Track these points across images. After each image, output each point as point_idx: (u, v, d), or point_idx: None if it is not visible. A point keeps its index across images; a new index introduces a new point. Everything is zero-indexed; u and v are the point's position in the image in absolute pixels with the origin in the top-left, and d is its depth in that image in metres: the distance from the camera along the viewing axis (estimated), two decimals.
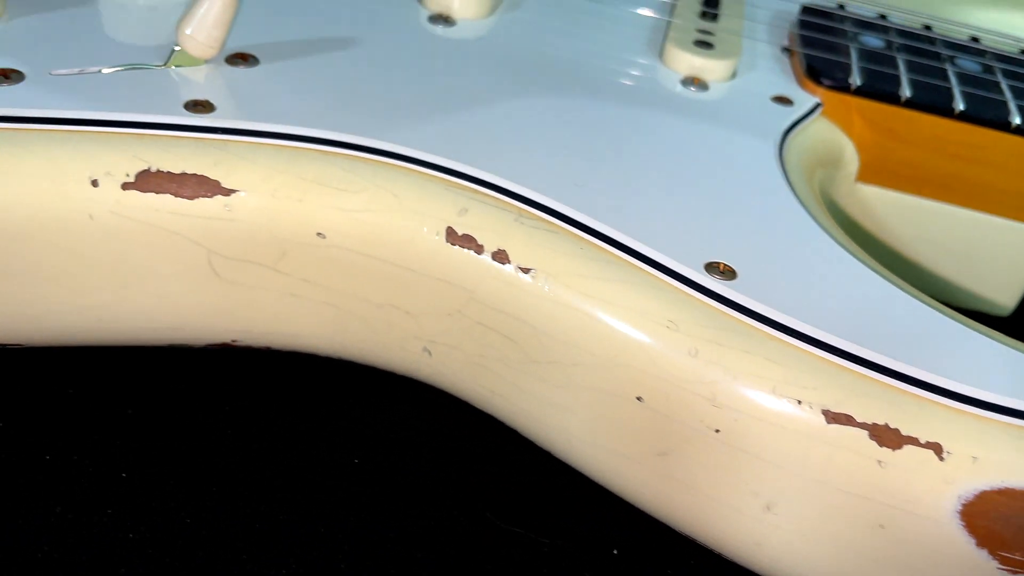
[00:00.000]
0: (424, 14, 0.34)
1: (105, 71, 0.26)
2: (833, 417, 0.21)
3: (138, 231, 0.24)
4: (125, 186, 0.24)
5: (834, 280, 0.25)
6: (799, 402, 0.21)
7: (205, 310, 0.26)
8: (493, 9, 0.35)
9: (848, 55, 0.35)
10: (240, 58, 0.28)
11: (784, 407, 0.21)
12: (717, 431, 0.22)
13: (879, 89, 0.34)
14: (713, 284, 0.23)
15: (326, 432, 0.29)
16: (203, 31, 0.26)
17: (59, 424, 0.28)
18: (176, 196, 0.24)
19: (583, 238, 0.24)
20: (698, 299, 0.23)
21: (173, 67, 0.27)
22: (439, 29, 0.33)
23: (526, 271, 0.24)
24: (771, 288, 0.23)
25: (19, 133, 0.24)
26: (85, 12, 0.29)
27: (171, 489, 0.26)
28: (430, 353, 0.27)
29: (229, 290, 0.26)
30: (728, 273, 0.23)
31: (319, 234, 0.25)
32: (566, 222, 0.25)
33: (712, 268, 0.24)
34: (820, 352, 0.22)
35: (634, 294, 0.23)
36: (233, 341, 0.28)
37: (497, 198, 0.25)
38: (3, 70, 0.25)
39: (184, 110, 0.25)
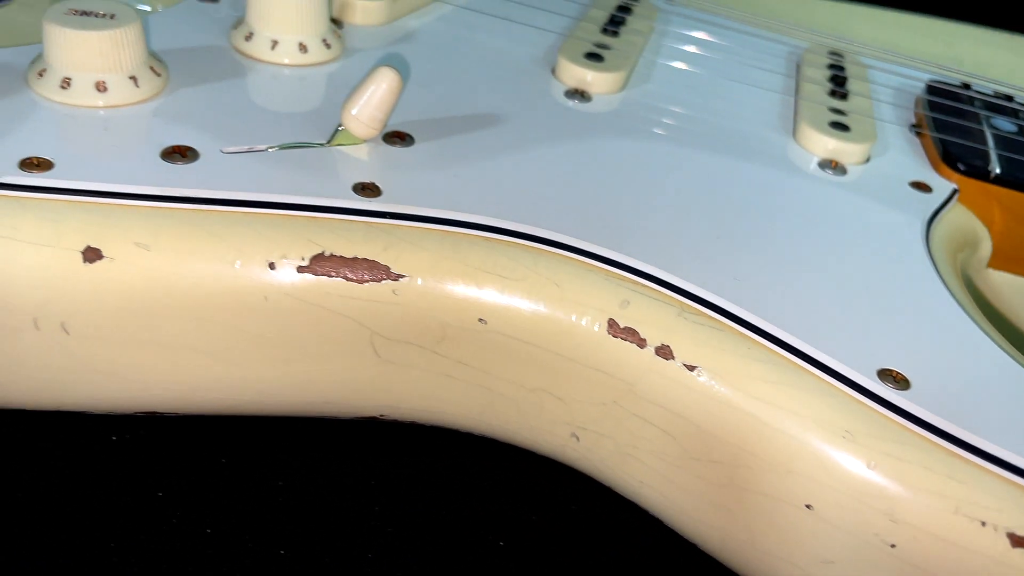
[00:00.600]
0: (560, 88, 0.34)
1: (271, 149, 0.27)
2: (1018, 541, 0.21)
3: (308, 312, 0.25)
4: (300, 269, 0.24)
5: (1001, 388, 0.24)
6: (983, 524, 0.21)
7: (360, 386, 0.27)
8: (625, 84, 0.36)
9: (983, 140, 0.35)
10: (397, 137, 0.29)
11: (967, 528, 0.21)
12: (893, 546, 0.22)
13: (1019, 178, 0.33)
14: (889, 394, 0.23)
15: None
16: (368, 113, 0.27)
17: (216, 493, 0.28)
18: (347, 280, 0.25)
19: (749, 336, 0.24)
20: (873, 408, 0.23)
21: (335, 146, 0.28)
22: (575, 104, 0.34)
23: (691, 368, 0.24)
24: (945, 398, 0.23)
25: (201, 213, 0.24)
26: (239, 83, 0.30)
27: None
28: (578, 439, 0.27)
29: (386, 369, 0.26)
30: (902, 382, 0.23)
31: (480, 320, 0.25)
32: (729, 319, 0.25)
33: (885, 376, 0.23)
34: (1001, 471, 0.22)
35: (807, 400, 0.23)
36: (381, 415, 0.28)
37: (658, 291, 0.25)
38: (180, 148, 0.26)
39: (353, 192, 0.26)
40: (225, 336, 0.25)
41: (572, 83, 0.34)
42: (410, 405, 0.28)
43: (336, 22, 0.35)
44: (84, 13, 0.27)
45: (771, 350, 0.24)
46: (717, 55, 0.40)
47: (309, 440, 0.29)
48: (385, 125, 0.28)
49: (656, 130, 0.33)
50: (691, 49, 0.40)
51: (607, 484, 0.28)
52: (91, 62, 0.27)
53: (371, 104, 0.27)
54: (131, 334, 0.24)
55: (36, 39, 0.30)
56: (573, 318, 0.25)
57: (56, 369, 0.25)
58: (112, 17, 0.27)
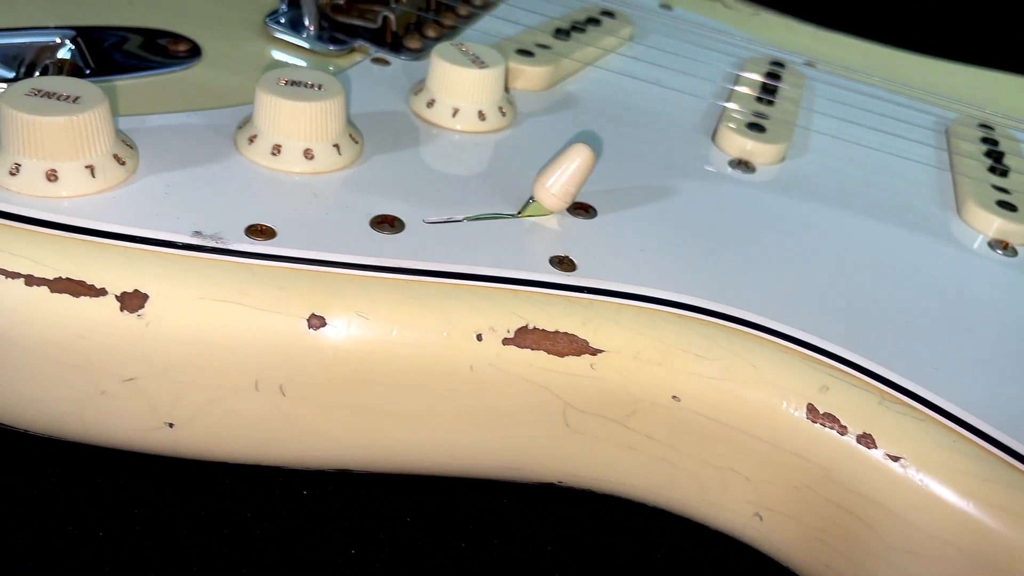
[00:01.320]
0: (722, 157, 0.35)
1: (467, 220, 0.28)
2: None
3: (508, 383, 0.25)
4: (505, 341, 0.25)
5: None
6: None
7: (545, 454, 0.27)
8: (785, 154, 0.36)
9: None
10: (581, 208, 0.30)
11: None
12: None
13: None
14: None
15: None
16: (563, 188, 0.28)
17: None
18: (549, 353, 0.25)
19: (953, 429, 0.24)
20: None
21: (525, 217, 0.29)
22: (740, 174, 0.34)
23: (895, 459, 0.24)
24: None
25: (414, 284, 0.25)
26: (425, 150, 0.31)
27: None
28: (761, 518, 0.27)
29: (573, 439, 0.27)
30: None
31: (674, 397, 0.26)
32: (931, 409, 0.25)
33: None
34: None
35: (1019, 499, 0.23)
36: (559, 482, 0.29)
37: (857, 377, 0.25)
38: (388, 217, 0.27)
39: (550, 266, 0.27)
40: (429, 402, 0.26)
41: (735, 153, 0.35)
42: (590, 474, 0.28)
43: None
44: (294, 83, 0.28)
45: (976, 444, 0.24)
46: (865, 123, 0.40)
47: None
48: (574, 199, 0.29)
49: (824, 204, 0.33)
50: (839, 116, 0.40)
51: (786, 564, 0.28)
52: (302, 131, 0.28)
53: (566, 179, 0.28)
54: (342, 398, 0.25)
55: (232, 101, 0.32)
56: (771, 401, 0.25)
57: (265, 428, 0.26)
58: (320, 88, 0.29)
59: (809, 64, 0.45)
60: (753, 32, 0.48)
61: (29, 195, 0.25)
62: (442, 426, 0.26)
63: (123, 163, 0.26)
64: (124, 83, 0.31)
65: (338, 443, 0.26)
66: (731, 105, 0.37)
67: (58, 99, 0.25)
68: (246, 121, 0.29)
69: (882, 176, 0.36)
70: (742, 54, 0.44)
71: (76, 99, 0.25)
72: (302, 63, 0.35)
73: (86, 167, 0.25)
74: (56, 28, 0.34)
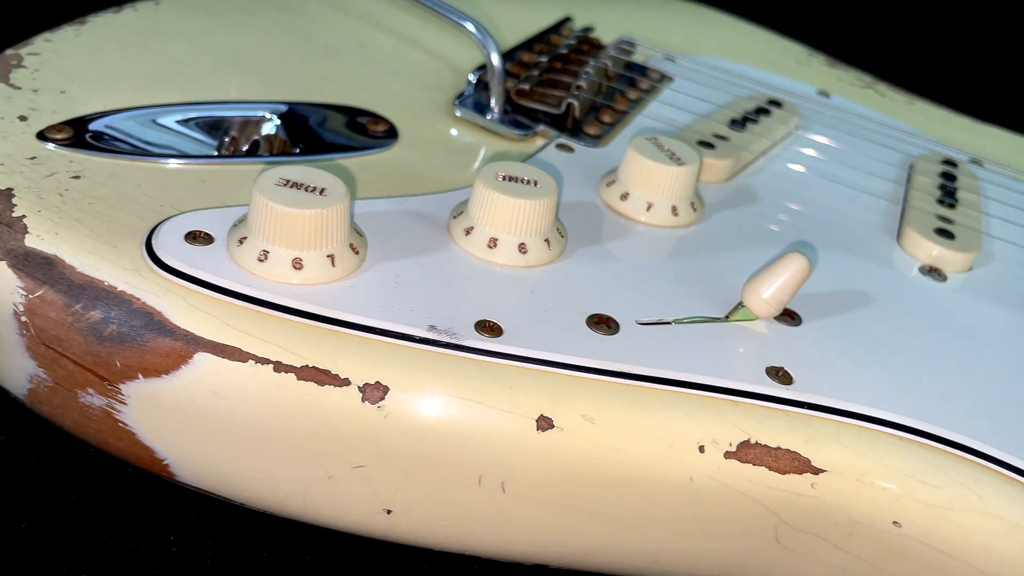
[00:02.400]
0: (911, 263, 0.34)
1: (676, 323, 0.28)
2: None
3: (725, 496, 0.25)
4: (727, 455, 0.25)
5: None
6: None
7: (748, 567, 0.27)
8: (974, 263, 0.35)
9: None
10: (787, 315, 0.30)
11: None
12: None
13: None
14: None
15: None
16: (777, 297, 0.28)
17: None
18: (770, 469, 0.25)
19: None
20: None
21: (733, 321, 0.29)
22: (932, 281, 0.34)
23: None
24: None
25: (635, 389, 0.26)
26: (624, 245, 0.32)
27: None
28: None
29: (780, 555, 0.27)
30: None
31: (895, 523, 0.25)
32: None
33: None
34: None
35: None
36: None
37: None
38: (603, 317, 0.27)
39: (767, 377, 0.27)
40: (644, 509, 0.26)
41: (924, 258, 0.34)
42: None
43: None
44: (511, 178, 0.29)
45: None
46: None
47: None
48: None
49: (1015, 318, 0.32)
50: (1017, 222, 0.39)
51: None
52: (519, 226, 0.29)
53: (782, 289, 0.28)
54: (559, 498, 0.25)
55: (434, 186, 0.33)
56: (996, 534, 0.25)
57: (479, 520, 0.26)
58: (536, 184, 0.29)
59: (976, 162, 0.44)
60: (912, 123, 0.48)
61: (276, 281, 0.26)
62: (651, 532, 0.26)
63: (357, 252, 0.27)
64: (333, 163, 0.33)
65: (546, 540, 0.26)
66: (913, 206, 0.37)
67: (306, 190, 0.26)
68: (459, 211, 0.30)
69: None
70: (908, 149, 0.43)
71: (322, 191, 0.26)
72: (492, 146, 0.36)
73: (327, 256, 0.26)
74: (266, 103, 0.36)
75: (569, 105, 0.39)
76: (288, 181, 0.26)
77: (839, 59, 0.56)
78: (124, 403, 0.25)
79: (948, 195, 0.39)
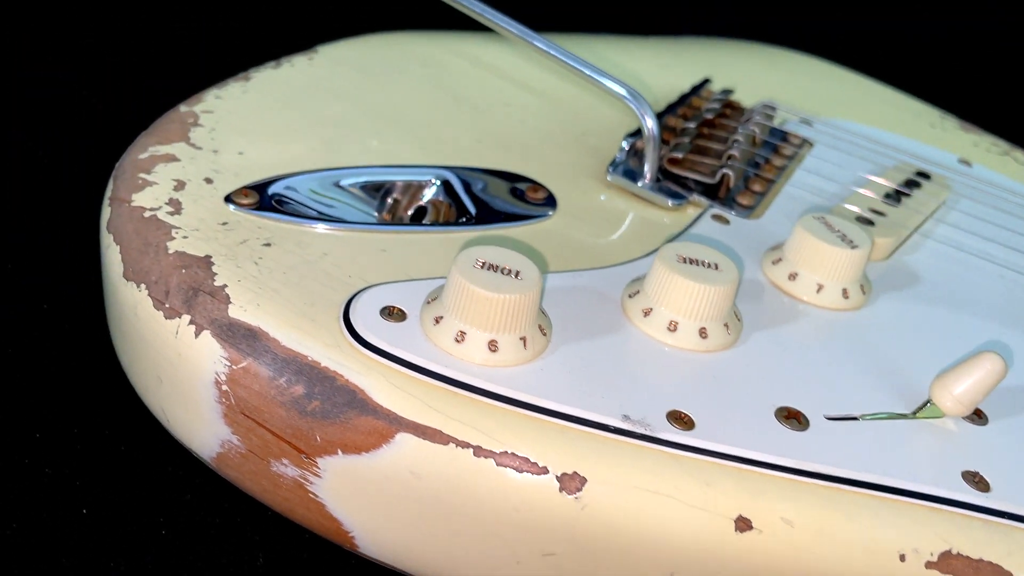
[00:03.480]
0: None
1: (863, 419, 0.28)
2: None
3: None
4: (928, 565, 0.24)
5: None
6: None
7: None
8: None
9: None
10: (974, 413, 0.29)
11: None
12: None
13: None
14: None
15: None
16: (971, 396, 0.27)
17: None
18: None
19: None
20: None
21: (921, 419, 0.28)
22: None
23: None
24: None
25: (830, 491, 0.25)
26: (797, 328, 0.31)
27: None
28: None
29: None
30: None
31: None
32: None
33: None
34: None
35: None
36: None
37: None
38: (794, 412, 0.27)
39: (964, 483, 0.26)
40: None
41: None
42: None
43: None
44: (692, 261, 0.29)
45: None
46: None
47: None
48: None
49: None
50: None
51: None
52: (701, 311, 0.28)
53: (976, 388, 0.27)
54: None
55: (601, 259, 0.32)
56: None
57: None
58: (716, 267, 0.29)
59: None
60: None
61: (473, 363, 0.26)
62: None
63: (544, 333, 0.27)
64: (500, 233, 0.33)
65: None
66: None
67: (502, 272, 0.26)
68: (635, 289, 0.30)
69: None
70: None
71: (517, 273, 0.26)
72: (646, 214, 0.36)
73: (520, 338, 0.26)
74: (431, 167, 0.36)
75: (724, 175, 0.38)
76: (485, 263, 0.26)
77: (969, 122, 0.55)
78: (319, 476, 0.26)
79: None
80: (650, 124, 0.38)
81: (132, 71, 0.58)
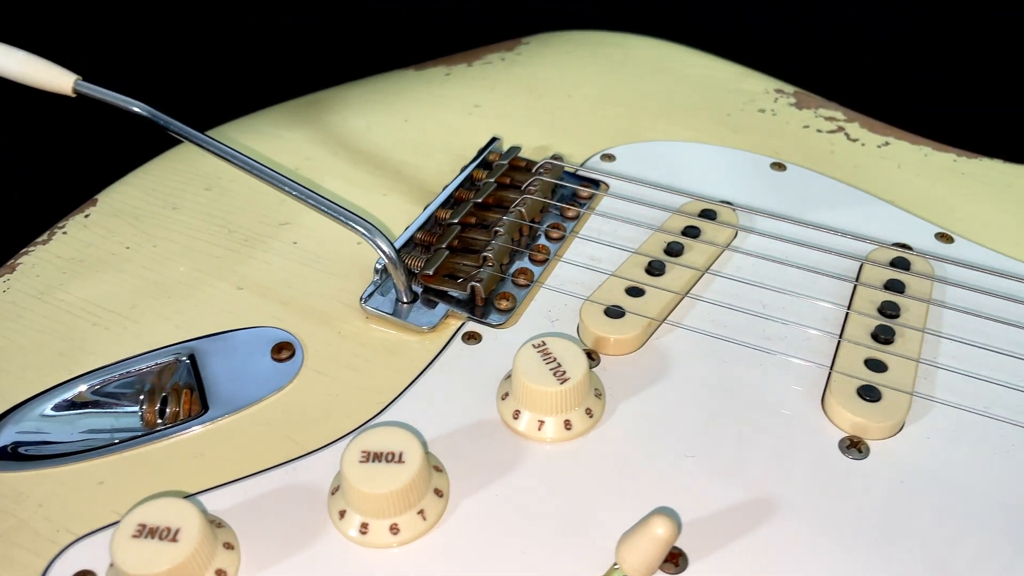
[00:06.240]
0: (836, 437, 0.32)
1: None
2: None
3: None
4: None
5: None
6: None
7: None
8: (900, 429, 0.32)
9: None
10: (671, 563, 0.28)
11: None
12: None
13: None
14: None
15: None
16: (645, 564, 0.26)
17: None
18: None
19: None
20: None
21: None
22: (853, 458, 0.31)
23: None
24: None
25: None
26: (515, 475, 0.31)
27: None
28: None
29: None
30: None
31: None
32: None
33: None
34: None
35: None
36: None
37: None
38: None
39: None
40: None
41: (850, 429, 0.32)
42: None
43: None
44: (374, 457, 0.28)
45: None
46: None
47: None
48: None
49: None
50: None
51: None
52: (383, 511, 0.28)
53: (649, 558, 0.26)
54: None
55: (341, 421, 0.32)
56: None
57: None
58: (400, 457, 0.28)
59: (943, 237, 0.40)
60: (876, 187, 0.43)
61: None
62: None
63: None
64: (227, 423, 0.33)
65: None
66: (841, 374, 0.34)
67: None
68: (336, 485, 0.30)
69: None
70: (854, 250, 0.39)
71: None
72: (405, 341, 0.35)
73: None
74: (172, 345, 0.36)
75: (473, 288, 0.37)
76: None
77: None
78: None
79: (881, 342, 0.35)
80: (386, 250, 0.36)
81: None
